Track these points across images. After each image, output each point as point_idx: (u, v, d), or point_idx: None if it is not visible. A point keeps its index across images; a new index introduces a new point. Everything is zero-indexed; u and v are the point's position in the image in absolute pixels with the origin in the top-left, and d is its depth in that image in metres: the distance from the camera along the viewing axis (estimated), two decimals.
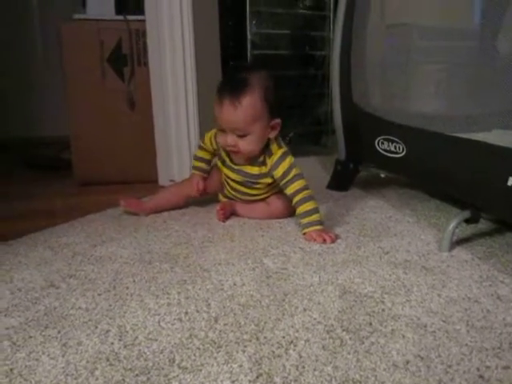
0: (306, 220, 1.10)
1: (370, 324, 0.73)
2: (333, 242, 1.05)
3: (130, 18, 1.62)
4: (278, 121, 1.11)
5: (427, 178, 1.17)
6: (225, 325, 0.72)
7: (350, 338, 0.69)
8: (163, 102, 1.62)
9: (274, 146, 1.15)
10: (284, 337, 0.69)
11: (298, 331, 0.71)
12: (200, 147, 1.30)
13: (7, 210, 1.43)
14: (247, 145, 1.09)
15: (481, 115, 1.08)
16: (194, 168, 1.30)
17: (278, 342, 0.68)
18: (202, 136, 1.65)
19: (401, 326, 0.72)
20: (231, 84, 1.07)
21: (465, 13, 1.59)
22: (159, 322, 0.73)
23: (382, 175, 1.40)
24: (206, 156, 1.29)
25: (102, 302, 0.80)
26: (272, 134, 1.12)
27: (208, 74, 1.71)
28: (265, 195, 1.24)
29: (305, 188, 1.12)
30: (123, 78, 1.66)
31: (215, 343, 0.68)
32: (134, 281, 0.88)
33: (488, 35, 1.17)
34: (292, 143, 2.06)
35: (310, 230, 1.08)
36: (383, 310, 0.77)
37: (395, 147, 1.19)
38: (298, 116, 2.06)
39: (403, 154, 1.16)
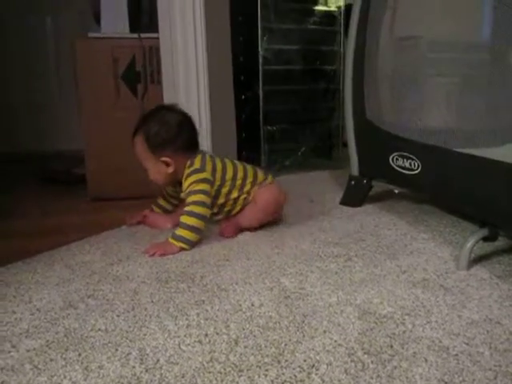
0: (175, 231, 1.16)
1: (391, 346, 0.72)
2: (156, 255, 1.11)
3: (143, 35, 1.64)
4: (164, 159, 1.22)
5: (443, 195, 1.17)
6: (245, 347, 0.72)
7: (372, 362, 0.68)
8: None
9: (186, 170, 1.23)
10: (305, 360, 0.69)
11: (318, 354, 0.70)
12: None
13: (22, 226, 1.44)
14: (151, 175, 1.26)
15: (493, 130, 1.07)
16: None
17: (299, 366, 0.68)
18: (214, 152, 1.67)
19: (422, 349, 0.71)
20: (136, 124, 1.25)
21: (477, 25, 1.60)
22: (179, 344, 0.73)
23: (396, 191, 1.39)
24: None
25: (121, 324, 0.80)
26: (170, 170, 1.23)
27: (220, 91, 1.73)
28: (239, 206, 1.27)
29: (193, 203, 1.17)
30: (137, 94, 1.67)
31: (237, 367, 0.67)
32: (152, 301, 0.88)
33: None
34: (303, 157, 2.07)
35: (168, 240, 1.15)
36: (404, 331, 0.76)
37: (410, 164, 1.19)
38: (309, 130, 2.07)
39: (418, 170, 1.16)
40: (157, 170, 1.23)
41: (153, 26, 1.69)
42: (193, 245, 1.15)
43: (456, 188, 1.07)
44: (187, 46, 1.57)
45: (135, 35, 1.65)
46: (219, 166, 1.24)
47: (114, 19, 1.64)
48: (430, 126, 1.17)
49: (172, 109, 1.28)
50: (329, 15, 2.03)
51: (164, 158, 1.22)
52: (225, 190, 1.24)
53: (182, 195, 1.23)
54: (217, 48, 1.68)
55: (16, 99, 2.67)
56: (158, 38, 1.63)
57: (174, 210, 1.37)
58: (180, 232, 1.14)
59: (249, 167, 1.29)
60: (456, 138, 1.08)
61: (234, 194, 1.25)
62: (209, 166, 1.22)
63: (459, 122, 1.15)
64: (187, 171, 1.21)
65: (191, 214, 1.15)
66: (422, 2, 1.50)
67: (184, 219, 1.15)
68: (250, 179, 1.26)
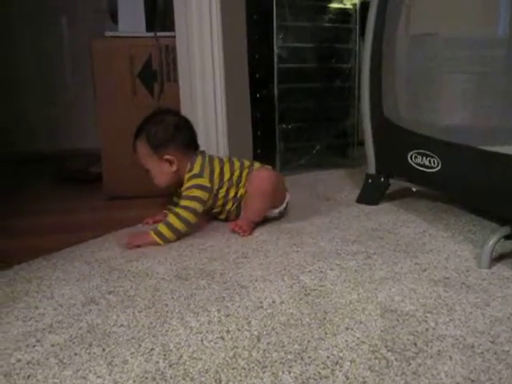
0: (158, 225, 1.20)
1: (415, 344, 0.72)
2: (131, 246, 1.16)
3: (160, 34, 1.64)
4: (168, 157, 1.26)
5: (464, 193, 1.16)
6: (268, 344, 0.72)
7: (396, 359, 0.68)
8: (192, 117, 1.64)
9: (186, 174, 1.26)
10: (329, 357, 0.69)
11: (342, 351, 0.70)
12: None
13: (39, 224, 1.45)
14: (154, 178, 1.29)
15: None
16: None
17: (323, 363, 0.67)
18: (231, 151, 1.67)
19: (447, 347, 0.71)
20: (136, 130, 1.30)
21: (495, 22, 1.58)
22: (202, 340, 0.74)
23: (414, 189, 1.38)
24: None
25: (143, 320, 0.80)
26: (174, 168, 1.26)
27: (236, 90, 1.73)
28: (236, 204, 1.30)
29: (183, 207, 1.21)
30: (153, 93, 1.68)
31: (260, 363, 0.67)
32: (173, 298, 0.88)
33: None
34: (318, 155, 2.06)
35: (147, 231, 1.19)
36: (427, 329, 0.76)
37: (430, 161, 1.18)
38: (325, 128, 2.06)
39: (438, 168, 1.15)
40: (160, 170, 1.27)
41: (168, 25, 1.69)
42: (168, 242, 1.18)
43: (477, 186, 1.06)
44: (203, 44, 1.57)
45: (151, 34, 1.66)
46: (217, 169, 1.27)
47: (131, 18, 1.65)
48: (450, 123, 1.16)
49: (169, 112, 1.34)
50: (344, 13, 2.02)
51: (167, 156, 1.25)
52: (223, 191, 1.27)
53: (178, 193, 1.28)
54: (233, 46, 1.68)
55: (32, 98, 2.70)
56: (173, 37, 1.63)
57: None
58: (161, 229, 1.18)
59: (241, 161, 1.32)
60: (477, 135, 1.07)
61: (232, 193, 1.28)
62: (207, 171, 1.25)
63: (480, 118, 1.14)
64: (188, 175, 1.25)
65: (178, 216, 1.20)
66: None
67: (170, 218, 1.19)
68: (245, 172, 1.29)
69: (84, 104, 2.66)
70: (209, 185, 1.24)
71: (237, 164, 1.30)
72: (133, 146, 1.29)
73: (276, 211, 1.32)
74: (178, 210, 1.21)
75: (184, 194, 1.23)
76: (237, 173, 1.28)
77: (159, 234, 1.17)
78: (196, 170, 1.25)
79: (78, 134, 2.71)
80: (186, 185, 1.24)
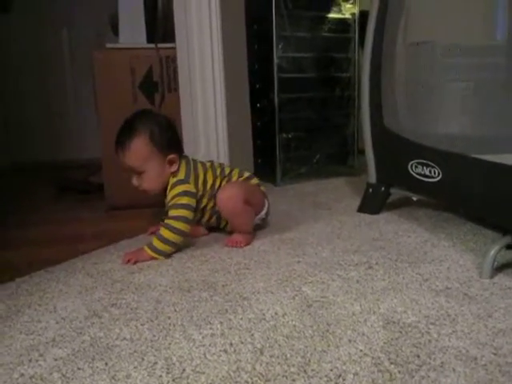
0: (152, 240, 1.17)
1: (418, 356, 0.72)
2: (130, 263, 1.13)
3: (160, 45, 1.66)
4: (172, 156, 1.21)
5: (465, 203, 1.16)
6: (271, 357, 0.72)
7: (399, 372, 0.68)
8: (193, 127, 1.65)
9: (170, 179, 1.22)
10: (332, 370, 0.69)
11: (345, 364, 0.70)
12: None
13: (40, 235, 1.45)
14: (147, 182, 1.21)
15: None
16: None
17: (326, 376, 0.67)
18: (232, 161, 1.68)
19: (450, 359, 0.71)
20: (120, 134, 1.21)
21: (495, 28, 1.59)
22: (205, 353, 0.74)
23: (414, 198, 1.39)
24: None
25: (145, 333, 0.81)
26: (173, 168, 1.22)
27: (237, 99, 1.74)
28: (214, 217, 1.29)
29: (173, 217, 1.17)
30: (154, 103, 1.69)
31: (263, 376, 0.67)
32: (175, 310, 0.88)
33: None
34: (318, 164, 2.06)
35: (144, 248, 1.16)
36: (430, 341, 0.76)
37: (430, 171, 1.18)
38: (325, 137, 2.07)
39: (439, 178, 1.16)
40: (159, 172, 1.21)
41: (168, 36, 1.71)
42: (166, 256, 1.16)
43: (478, 195, 1.06)
44: (204, 54, 1.58)
45: (152, 45, 1.67)
46: (201, 176, 1.24)
47: (132, 30, 1.66)
48: (450, 132, 1.16)
49: (153, 112, 1.32)
50: (343, 22, 2.04)
51: (172, 156, 1.21)
52: (204, 200, 1.25)
53: (166, 208, 1.23)
54: (233, 56, 1.69)
55: (32, 109, 2.71)
56: (173, 48, 1.64)
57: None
58: (156, 243, 1.15)
59: (222, 168, 1.30)
60: (477, 144, 1.07)
61: (210, 204, 1.26)
62: (192, 177, 1.23)
63: (480, 127, 1.15)
64: (172, 181, 1.22)
65: (170, 228, 1.16)
66: (437, 6, 1.50)
67: (162, 231, 1.16)
68: (223, 181, 1.27)
69: (84, 114, 2.68)
70: (194, 190, 1.21)
71: (218, 170, 1.28)
72: (122, 148, 1.19)
73: (256, 218, 1.29)
74: (168, 221, 1.17)
75: (171, 203, 1.19)
76: (217, 182, 1.25)
77: (154, 249, 1.15)
78: (181, 175, 1.22)
79: (77, 144, 2.73)
80: (173, 192, 1.20)
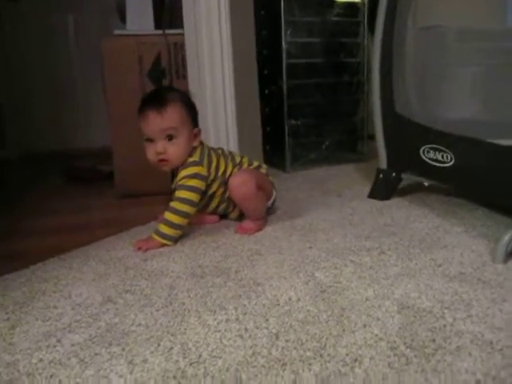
0: (157, 226, 1.17)
1: (434, 341, 0.72)
2: (141, 250, 1.13)
3: (168, 32, 1.64)
4: (197, 129, 1.22)
5: (478, 188, 1.15)
6: (286, 341, 0.72)
7: (415, 356, 0.68)
8: (202, 114, 1.64)
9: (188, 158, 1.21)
10: (348, 354, 0.69)
11: (360, 348, 0.70)
12: None
13: (51, 223, 1.46)
14: (176, 149, 1.17)
15: None
16: None
17: (342, 360, 0.68)
18: (241, 148, 1.67)
19: (466, 343, 0.71)
20: (154, 98, 1.18)
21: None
22: (221, 338, 0.74)
23: (426, 184, 1.38)
24: None
25: (160, 318, 0.81)
26: (196, 142, 1.21)
27: (245, 85, 1.72)
28: (223, 204, 1.29)
29: (179, 199, 1.16)
30: None
31: (280, 361, 0.68)
32: (189, 296, 0.89)
33: None
34: (328, 150, 2.06)
35: (152, 235, 1.16)
36: (445, 325, 0.76)
37: (443, 156, 1.17)
38: (334, 123, 2.05)
39: (452, 163, 1.15)
40: (188, 140, 1.19)
41: (174, 23, 1.70)
42: (175, 240, 1.17)
43: (491, 180, 1.05)
44: (212, 40, 1.57)
45: (160, 32, 1.66)
46: (214, 161, 1.23)
47: (140, 16, 1.65)
48: (463, 117, 1.15)
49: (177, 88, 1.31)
50: (352, 6, 2.01)
51: (197, 129, 1.22)
52: (215, 185, 1.24)
53: (173, 185, 1.23)
54: (241, 42, 1.68)
55: (39, 98, 2.71)
56: (182, 34, 1.63)
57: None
58: (163, 229, 1.15)
59: (231, 156, 1.29)
60: (490, 128, 1.06)
61: (220, 190, 1.25)
62: (206, 161, 1.21)
63: (493, 111, 1.13)
64: (187, 160, 1.20)
65: (174, 211, 1.16)
66: None
67: (167, 216, 1.16)
68: (233, 170, 1.26)
69: (91, 102, 2.68)
70: (206, 174, 1.20)
71: (229, 158, 1.27)
72: (157, 109, 1.15)
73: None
74: (173, 204, 1.16)
75: (180, 182, 1.18)
76: (229, 169, 1.25)
77: (162, 234, 1.15)
78: (196, 156, 1.20)
79: (85, 133, 2.73)
80: (184, 172, 1.18)
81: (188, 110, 1.20)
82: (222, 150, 1.31)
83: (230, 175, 1.24)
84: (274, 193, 1.33)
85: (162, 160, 1.18)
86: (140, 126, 1.18)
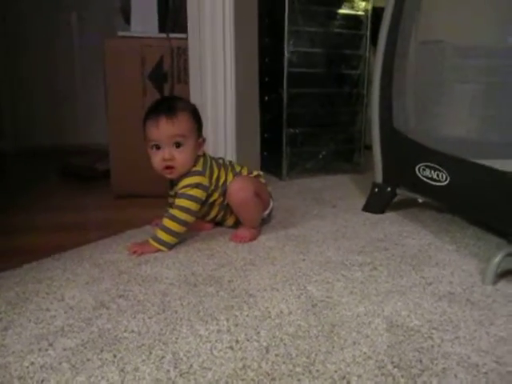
0: (155, 232, 1.19)
1: (421, 361, 0.73)
2: (136, 254, 1.14)
3: (172, 36, 1.65)
4: (202, 139, 1.24)
5: (471, 208, 1.17)
6: (276, 356, 0.73)
7: (402, 376, 0.69)
8: (202, 119, 1.65)
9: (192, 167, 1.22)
10: (336, 371, 0.70)
11: (349, 366, 0.71)
12: None
13: (45, 222, 1.46)
14: (183, 157, 1.18)
15: None
16: None
17: (330, 377, 0.69)
18: (239, 153, 1.68)
19: (452, 365, 0.72)
20: (164, 105, 1.20)
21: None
22: (211, 349, 0.75)
23: (420, 200, 1.39)
24: None
25: (153, 326, 0.82)
26: (200, 151, 1.23)
27: (246, 93, 1.73)
28: (222, 212, 1.30)
29: (179, 208, 1.18)
30: (163, 94, 1.69)
31: (269, 375, 0.69)
32: (182, 304, 0.90)
33: None
34: (324, 160, 2.07)
35: (148, 240, 1.18)
36: (432, 346, 0.77)
37: (438, 175, 1.19)
38: (332, 133, 2.07)
39: (446, 182, 1.16)
40: (194, 149, 1.20)
41: (178, 27, 1.70)
42: (171, 247, 1.18)
43: (485, 202, 1.07)
44: (216, 46, 1.58)
45: (163, 35, 1.67)
46: (216, 172, 1.25)
47: (144, 19, 1.66)
48: (460, 137, 1.17)
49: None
50: (355, 19, 2.03)
51: (202, 139, 1.24)
52: (216, 194, 1.25)
53: (172, 192, 1.25)
54: (244, 50, 1.69)
55: (38, 94, 2.71)
56: (185, 39, 1.64)
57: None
58: (160, 235, 1.17)
59: (231, 165, 1.31)
60: (486, 150, 1.08)
61: (220, 200, 1.26)
62: (208, 171, 1.23)
63: (491, 131, 1.15)
64: (192, 169, 1.21)
65: (174, 218, 1.17)
66: (453, 6, 1.49)
67: (166, 222, 1.17)
68: (229, 181, 1.26)
69: (90, 100, 2.68)
70: (207, 184, 1.21)
71: (229, 168, 1.28)
72: (168, 115, 1.16)
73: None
74: (173, 211, 1.18)
75: (181, 191, 1.19)
76: (229, 178, 1.26)
77: (159, 240, 1.16)
78: (199, 166, 1.22)
79: (83, 130, 2.73)
80: (186, 181, 1.19)
81: (195, 119, 1.23)
82: (223, 159, 1.33)
83: (226, 181, 1.26)
84: (271, 203, 1.35)
85: (168, 167, 1.19)
86: (147, 132, 1.19)
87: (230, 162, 1.34)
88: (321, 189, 1.83)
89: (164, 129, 1.16)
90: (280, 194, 1.70)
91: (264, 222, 1.36)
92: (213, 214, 1.29)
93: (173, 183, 1.26)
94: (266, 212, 1.33)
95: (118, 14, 1.89)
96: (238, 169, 1.30)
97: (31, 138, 2.70)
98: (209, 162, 1.25)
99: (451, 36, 1.52)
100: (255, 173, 1.33)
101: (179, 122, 1.17)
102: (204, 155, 1.26)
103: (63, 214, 1.55)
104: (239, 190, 1.22)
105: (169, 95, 1.29)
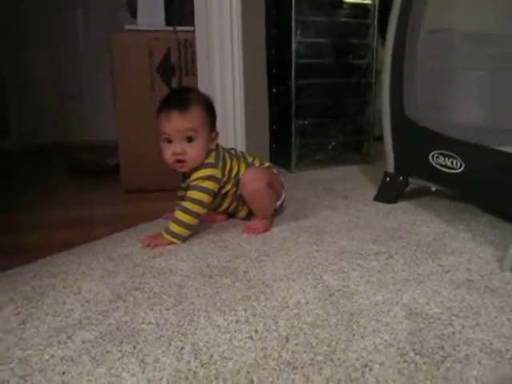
0: (168, 224, 1.18)
1: (443, 348, 0.72)
2: (150, 247, 1.14)
3: (179, 28, 1.64)
4: (215, 133, 1.22)
5: (487, 195, 1.15)
6: (296, 345, 0.73)
7: (425, 363, 0.68)
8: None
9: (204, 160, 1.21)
10: (358, 359, 0.69)
11: (370, 353, 0.71)
12: None
13: (60, 217, 1.47)
14: (194, 151, 1.17)
15: None
16: None
17: (352, 365, 0.68)
18: (248, 145, 1.68)
19: (475, 352, 0.71)
20: (177, 99, 1.19)
21: None
22: (231, 339, 0.74)
23: (433, 188, 1.38)
24: None
25: (171, 318, 0.81)
26: (213, 145, 1.22)
27: (255, 84, 1.73)
28: (235, 203, 1.29)
29: (192, 200, 1.17)
30: (171, 87, 1.68)
31: (290, 364, 0.68)
32: (199, 295, 0.89)
33: None
34: (334, 151, 2.06)
35: (161, 233, 1.17)
36: (453, 333, 0.76)
37: (452, 162, 1.17)
38: (341, 124, 2.05)
39: (461, 169, 1.15)
40: (207, 143, 1.19)
41: (185, 20, 1.69)
42: (184, 239, 1.17)
43: (501, 188, 1.06)
44: (223, 38, 1.57)
45: (170, 28, 1.66)
46: (228, 164, 1.24)
47: (151, 12, 1.65)
48: (475, 124, 1.15)
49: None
50: (362, 8, 2.01)
51: (215, 133, 1.22)
52: (228, 186, 1.24)
53: (184, 185, 1.25)
54: (252, 41, 1.68)
55: (44, 91, 2.71)
56: (192, 31, 1.63)
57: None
58: (173, 227, 1.16)
59: (243, 156, 1.30)
60: (502, 136, 1.06)
61: (233, 190, 1.25)
62: (221, 163, 1.22)
63: (505, 119, 1.13)
64: (205, 161, 1.20)
65: (186, 211, 1.16)
66: None
67: (178, 215, 1.16)
68: (241, 172, 1.25)
69: (96, 96, 2.68)
70: (220, 176, 1.21)
71: (241, 159, 1.28)
72: (180, 109, 1.14)
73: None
74: (185, 204, 1.17)
75: (194, 183, 1.18)
76: (242, 169, 1.25)
77: (172, 233, 1.16)
78: (211, 158, 1.21)
79: (90, 126, 2.73)
80: (199, 173, 1.19)
81: (209, 113, 1.21)
82: (235, 150, 1.32)
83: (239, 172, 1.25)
84: (284, 194, 1.34)
85: (178, 161, 1.18)
86: (159, 125, 1.17)
87: (242, 152, 1.33)
88: (331, 180, 1.81)
89: (176, 123, 1.15)
90: (290, 186, 1.69)
91: (276, 214, 1.35)
92: (225, 205, 1.28)
93: (185, 176, 1.25)
94: (279, 202, 1.32)
95: (124, 8, 1.88)
96: (250, 159, 1.29)
97: (37, 136, 2.70)
98: (221, 154, 1.24)
99: (460, 23, 1.50)
100: (267, 164, 1.33)
101: (191, 117, 1.15)
102: (217, 147, 1.24)
103: (73, 210, 1.55)
104: (252, 180, 1.22)
105: (183, 86, 1.25)
